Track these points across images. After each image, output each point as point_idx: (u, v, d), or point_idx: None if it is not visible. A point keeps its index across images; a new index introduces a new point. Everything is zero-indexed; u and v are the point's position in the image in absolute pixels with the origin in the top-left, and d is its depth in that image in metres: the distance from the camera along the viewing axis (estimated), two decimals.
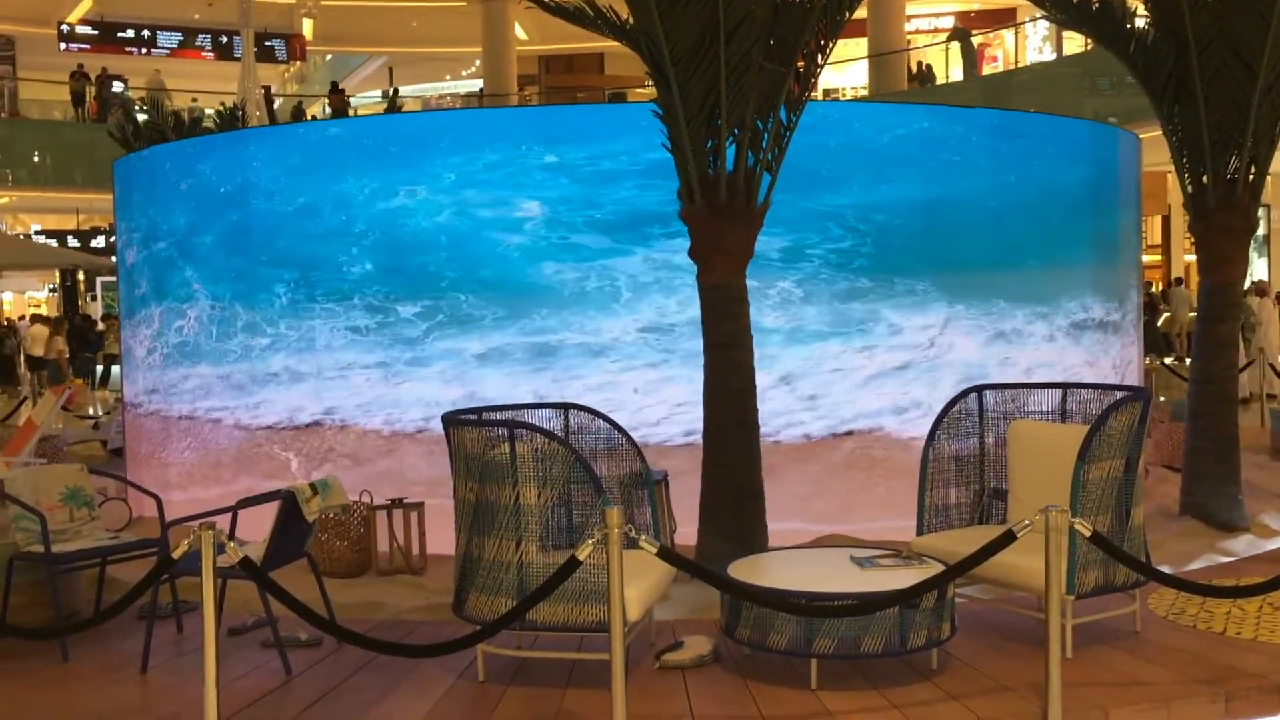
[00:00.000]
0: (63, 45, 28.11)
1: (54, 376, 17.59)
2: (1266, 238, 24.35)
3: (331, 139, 7.46)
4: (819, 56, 5.98)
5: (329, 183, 7.13)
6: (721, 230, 5.81)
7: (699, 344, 5.98)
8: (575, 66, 34.64)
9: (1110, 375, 7.92)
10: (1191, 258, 26.36)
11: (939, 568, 4.55)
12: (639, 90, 30.79)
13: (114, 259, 19.93)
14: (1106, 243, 8.07)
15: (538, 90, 32.97)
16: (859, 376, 7.04)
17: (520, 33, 31.57)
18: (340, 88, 27.33)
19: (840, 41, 6.31)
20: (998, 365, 7.28)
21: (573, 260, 6.88)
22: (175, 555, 4.11)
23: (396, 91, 29.93)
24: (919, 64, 24.75)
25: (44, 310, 31.55)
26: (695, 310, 6.07)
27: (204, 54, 29.59)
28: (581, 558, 3.99)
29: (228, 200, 7.53)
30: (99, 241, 28.02)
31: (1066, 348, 7.64)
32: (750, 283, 5.94)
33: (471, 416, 4.95)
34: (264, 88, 25.67)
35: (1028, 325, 7.46)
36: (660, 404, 6.89)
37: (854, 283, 6.98)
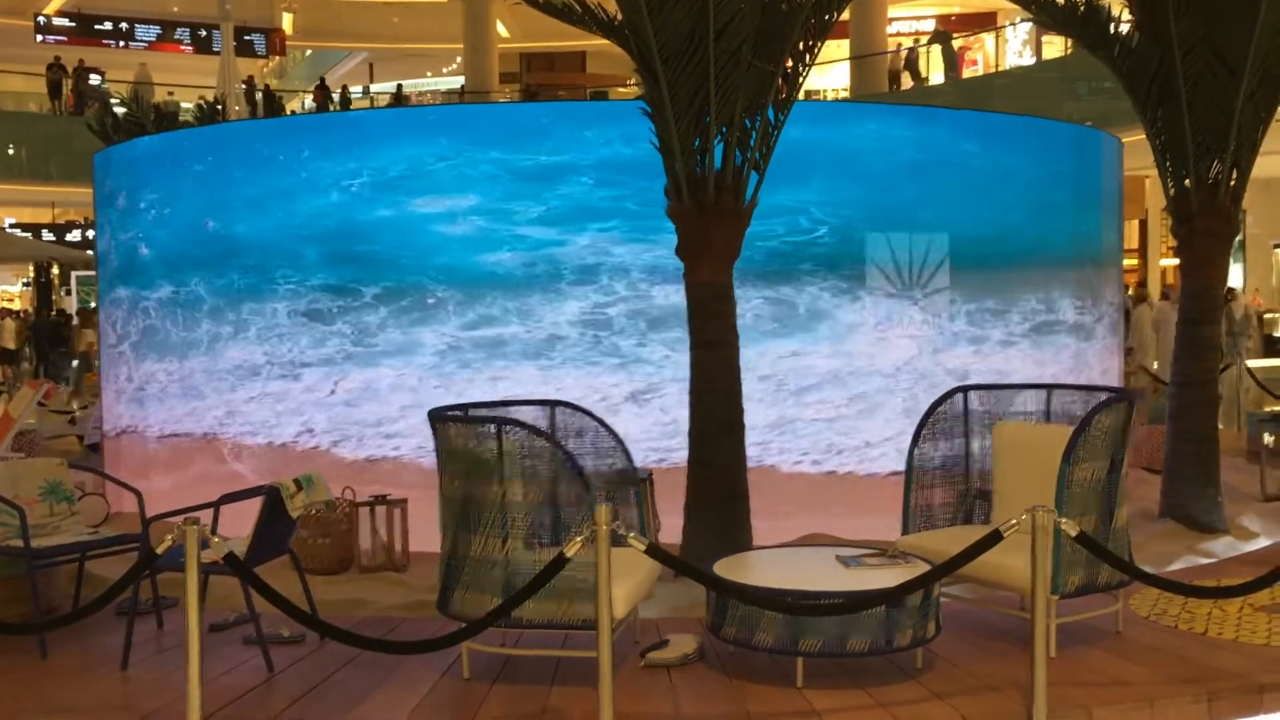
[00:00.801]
0: (39, 37, 27.87)
1: (84, 365, 17.34)
2: (1242, 243, 24.57)
3: None
4: (807, 56, 5.98)
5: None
6: (709, 228, 5.81)
7: None
8: (557, 65, 34.65)
9: (1075, 379, 7.95)
10: (1168, 262, 26.62)
11: (925, 567, 4.56)
12: (621, 89, 30.82)
13: (90, 252, 19.73)
14: (1074, 243, 8.09)
15: (519, 88, 32.92)
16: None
17: (502, 30, 31.53)
18: (325, 83, 27.28)
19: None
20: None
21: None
22: (159, 550, 4.07)
23: (399, 88, 29.79)
24: (906, 59, 24.74)
25: (16, 304, 31.27)
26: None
27: (183, 48, 29.42)
28: (570, 555, 3.97)
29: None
30: (74, 235, 27.78)
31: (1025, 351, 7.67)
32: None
33: (458, 413, 4.92)
34: (245, 81, 25.52)
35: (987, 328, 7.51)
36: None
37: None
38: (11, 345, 20.81)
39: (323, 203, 7.12)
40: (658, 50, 5.55)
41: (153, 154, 8.14)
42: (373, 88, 33.27)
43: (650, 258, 6.82)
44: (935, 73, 24.93)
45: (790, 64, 5.93)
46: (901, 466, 5.50)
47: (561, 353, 6.89)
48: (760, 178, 5.94)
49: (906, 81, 24.42)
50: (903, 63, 24.63)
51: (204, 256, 7.51)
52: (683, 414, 6.01)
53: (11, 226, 27.99)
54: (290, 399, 7.21)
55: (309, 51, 37.28)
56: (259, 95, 26.55)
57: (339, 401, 7.11)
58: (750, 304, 6.81)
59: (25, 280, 32.64)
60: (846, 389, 7.09)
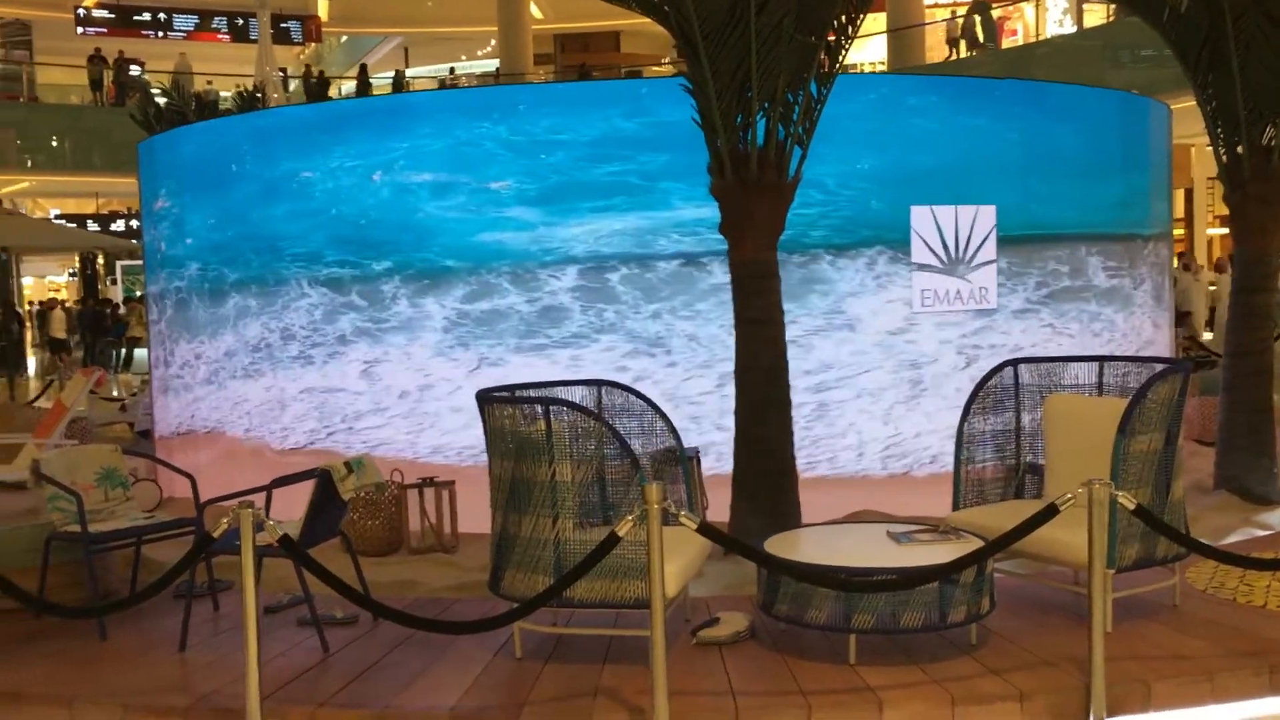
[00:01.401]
0: (80, 29, 28.14)
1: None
2: None
3: None
4: (849, 29, 5.92)
5: None
6: (752, 205, 5.77)
7: None
8: (591, 45, 34.55)
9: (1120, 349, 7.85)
10: (1214, 231, 26.21)
11: (976, 543, 4.52)
12: (655, 68, 30.71)
13: (135, 242, 19.95)
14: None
15: (553, 69, 32.87)
16: None
17: (535, 11, 31.48)
18: (365, 68, 27.45)
19: None
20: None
21: None
22: (215, 534, 4.11)
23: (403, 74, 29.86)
24: (963, 26, 24.18)
25: (63, 294, 31.73)
26: None
27: (220, 36, 29.60)
28: (621, 534, 3.97)
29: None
30: (119, 225, 28.12)
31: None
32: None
33: (505, 394, 4.93)
34: (280, 70, 25.66)
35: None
36: None
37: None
38: (61, 335, 21.15)
39: None
40: (699, 26, 5.50)
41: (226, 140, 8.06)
42: (408, 72, 33.31)
43: None
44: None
45: (832, 37, 5.86)
46: None
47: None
48: (804, 153, 5.88)
49: (961, 51, 24.02)
50: (960, 30, 24.12)
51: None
52: None
53: (57, 217, 28.38)
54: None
55: (344, 38, 37.41)
56: (312, 81, 26.75)
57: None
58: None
59: (71, 270, 33.12)
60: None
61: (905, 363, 7.06)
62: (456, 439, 7.00)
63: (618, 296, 6.86)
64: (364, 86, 26.35)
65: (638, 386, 5.64)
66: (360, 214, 7.16)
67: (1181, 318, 14.22)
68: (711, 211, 5.99)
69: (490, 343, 6.96)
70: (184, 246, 8.12)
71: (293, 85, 27.58)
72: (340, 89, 32.39)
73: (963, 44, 24.16)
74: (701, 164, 5.92)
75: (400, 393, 7.12)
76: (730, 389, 6.03)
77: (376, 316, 7.15)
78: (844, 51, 6.00)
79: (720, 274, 6.55)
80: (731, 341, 5.98)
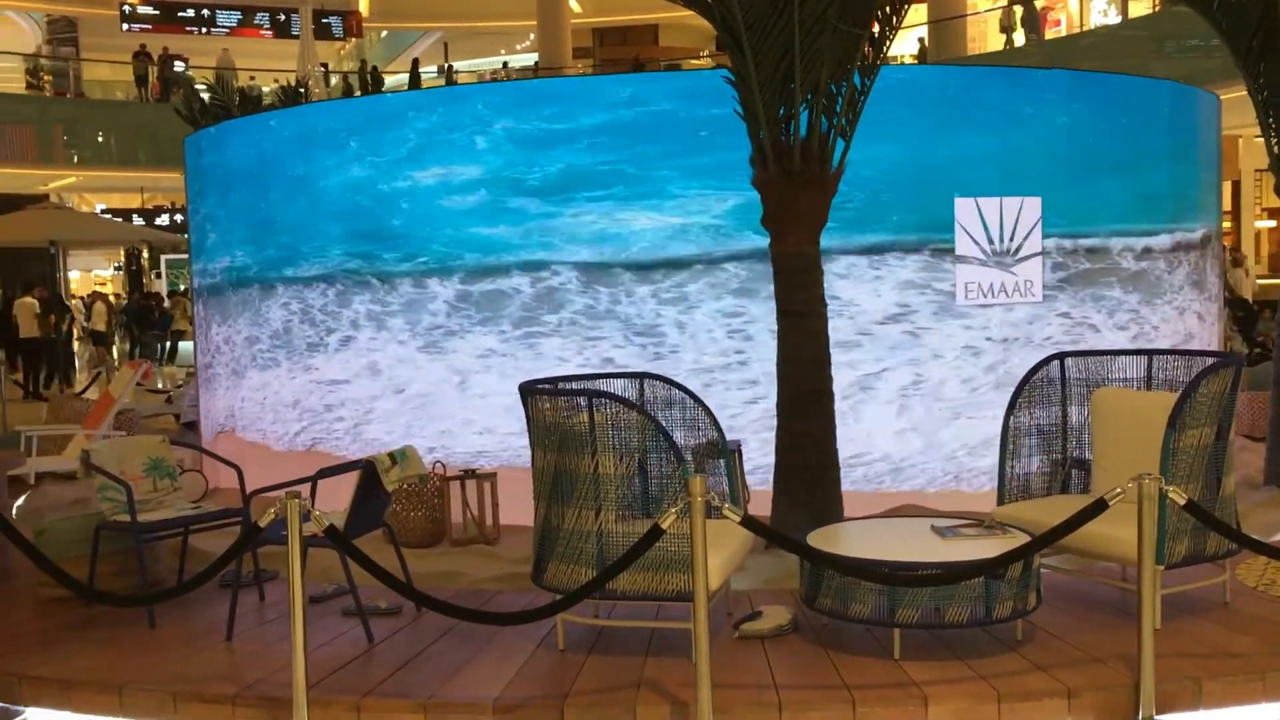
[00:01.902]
0: (125, 26, 28.46)
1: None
2: None
3: None
4: (894, 19, 5.87)
5: None
6: (795, 197, 5.74)
7: None
8: (630, 38, 34.50)
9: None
10: (1263, 224, 25.78)
11: (1022, 538, 4.48)
12: (694, 60, 30.62)
13: (182, 235, 20.18)
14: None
15: (592, 63, 32.87)
16: None
17: (574, 5, 31.48)
18: (415, 62, 27.67)
19: None
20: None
21: None
22: (262, 524, 4.15)
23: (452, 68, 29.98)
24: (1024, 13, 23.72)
25: (109, 289, 32.15)
26: None
27: (262, 32, 29.83)
28: (665, 526, 3.97)
29: None
30: (163, 219, 28.44)
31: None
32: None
33: (548, 386, 4.94)
34: (322, 65, 25.84)
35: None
36: None
37: None
38: (102, 328, 21.45)
39: None
40: (742, 17, 5.48)
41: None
42: (457, 65, 33.43)
43: None
44: (1016, 33, 24.31)
45: (876, 27, 5.82)
46: None
47: None
48: (846, 144, 5.84)
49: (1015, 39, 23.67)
50: (1018, 17, 23.74)
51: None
52: None
53: (103, 212, 28.75)
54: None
55: (384, 33, 37.59)
56: (368, 74, 26.98)
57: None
58: None
59: (117, 264, 33.54)
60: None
61: None
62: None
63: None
64: (415, 80, 26.52)
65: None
66: None
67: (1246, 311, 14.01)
68: None
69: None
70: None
71: (333, 80, 27.77)
72: (382, 83, 32.57)
73: (1019, 31, 23.65)
74: None
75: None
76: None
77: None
78: (888, 42, 5.95)
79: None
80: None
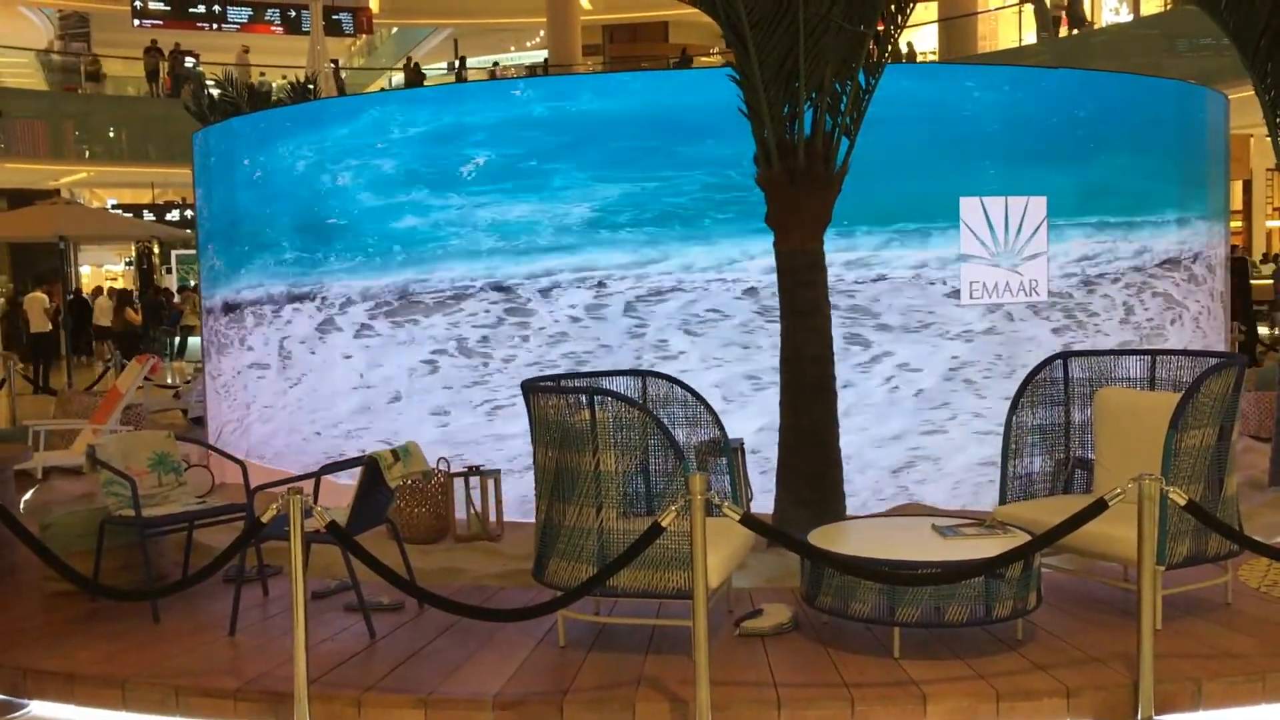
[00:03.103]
0: (136, 21, 28.57)
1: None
2: None
3: None
4: (899, 18, 5.86)
5: None
6: (799, 196, 5.74)
7: None
8: (640, 35, 34.52)
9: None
10: (1275, 224, 25.69)
11: (1023, 537, 4.48)
12: (704, 58, 30.61)
13: (190, 231, 20.26)
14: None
15: (602, 60, 32.88)
16: None
17: (584, 2, 31.49)
18: (415, 63, 27.65)
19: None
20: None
21: None
22: (264, 519, 4.17)
23: (464, 61, 30.00)
24: (1069, 3, 23.47)
25: (120, 283, 32.26)
26: None
27: (273, 28, 29.92)
28: (665, 524, 3.98)
29: None
30: (174, 215, 28.55)
31: None
32: None
33: (550, 384, 4.95)
34: (332, 61, 25.90)
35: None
36: None
37: None
38: (105, 323, 21.51)
39: None
40: (746, 15, 5.48)
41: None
42: (471, 62, 33.48)
43: None
44: (1027, 32, 24.25)
45: (881, 26, 5.81)
46: None
47: None
48: (851, 143, 5.84)
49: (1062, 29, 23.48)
50: (1065, 8, 23.51)
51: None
52: None
53: (114, 207, 28.86)
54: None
55: (394, 29, 37.67)
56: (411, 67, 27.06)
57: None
58: None
59: (128, 259, 33.67)
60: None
61: None
62: None
63: None
64: (418, 78, 26.55)
65: None
66: None
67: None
68: None
69: None
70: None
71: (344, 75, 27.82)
72: (390, 80, 32.63)
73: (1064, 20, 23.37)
74: None
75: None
76: None
77: None
78: (893, 41, 5.95)
79: None
80: None
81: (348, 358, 7.48)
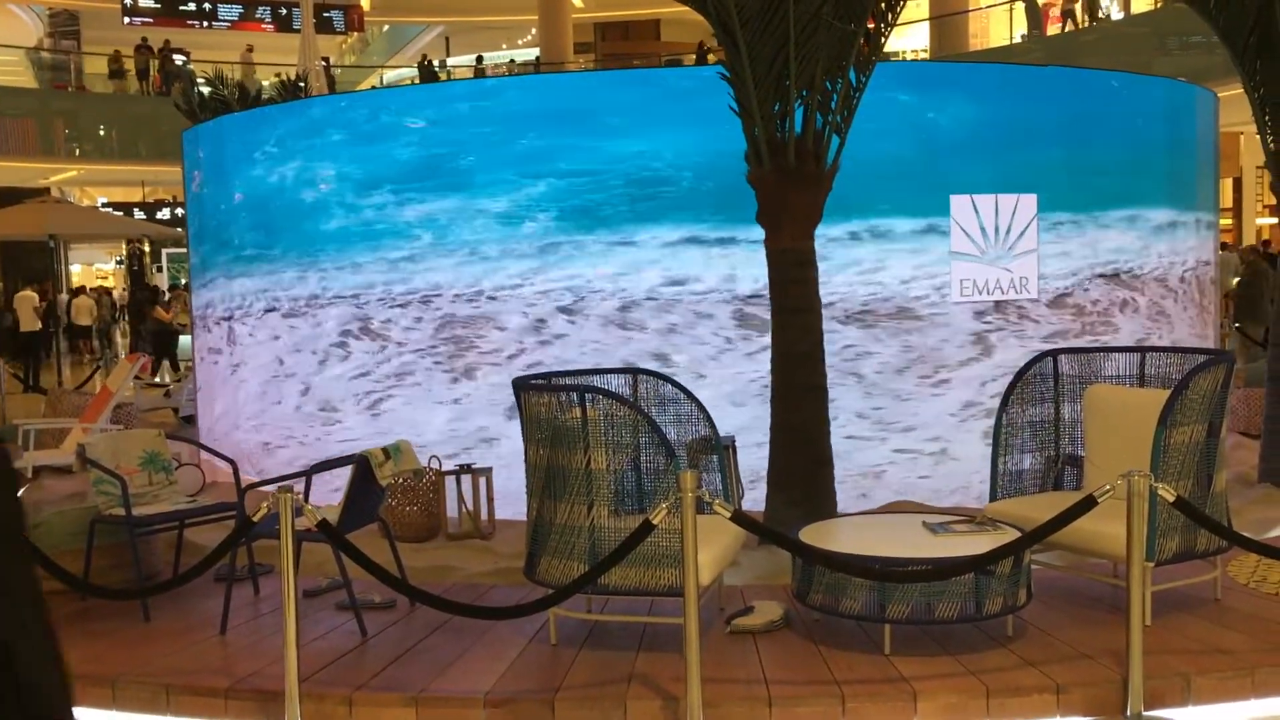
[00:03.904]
0: (126, 19, 28.46)
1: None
2: None
3: None
4: (889, 15, 5.87)
5: None
6: (789, 194, 5.75)
7: None
8: (631, 33, 34.53)
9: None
10: (1264, 221, 25.76)
11: (1013, 534, 4.49)
12: (693, 56, 30.59)
13: (180, 230, 20.17)
14: None
15: (594, 58, 32.86)
16: None
17: (576, 0, 31.45)
18: (429, 61, 27.73)
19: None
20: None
21: None
22: (255, 518, 4.17)
23: (442, 64, 29.94)
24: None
25: (111, 282, 32.18)
26: None
27: (264, 26, 29.82)
28: (655, 521, 3.98)
29: None
30: (164, 214, 28.46)
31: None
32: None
33: (541, 381, 4.95)
34: (323, 59, 25.80)
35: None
36: None
37: None
38: (85, 322, 21.36)
39: None
40: (736, 13, 5.48)
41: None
42: (449, 61, 33.45)
43: None
44: (1018, 29, 24.28)
45: (872, 24, 5.82)
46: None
47: None
48: (842, 141, 5.85)
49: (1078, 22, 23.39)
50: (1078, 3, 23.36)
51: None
52: None
53: (104, 205, 28.77)
54: None
55: (386, 27, 37.59)
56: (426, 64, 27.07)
57: None
58: None
59: (119, 258, 33.58)
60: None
61: None
62: None
63: None
64: (432, 76, 26.62)
65: None
66: None
67: None
68: None
69: None
70: None
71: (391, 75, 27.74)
72: (382, 78, 32.57)
73: (1078, 14, 23.22)
74: None
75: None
76: None
77: None
78: (884, 39, 5.96)
79: None
80: None
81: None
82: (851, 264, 6.93)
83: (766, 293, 5.96)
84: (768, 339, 5.98)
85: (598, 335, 6.96)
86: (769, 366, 5.89)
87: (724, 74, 5.75)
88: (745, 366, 6.87)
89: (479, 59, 31.79)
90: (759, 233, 5.92)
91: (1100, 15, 23.02)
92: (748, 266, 6.74)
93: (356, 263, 7.37)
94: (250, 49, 27.05)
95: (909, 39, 27.57)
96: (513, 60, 31.87)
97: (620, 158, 6.90)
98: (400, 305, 7.27)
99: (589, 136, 6.98)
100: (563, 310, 7.00)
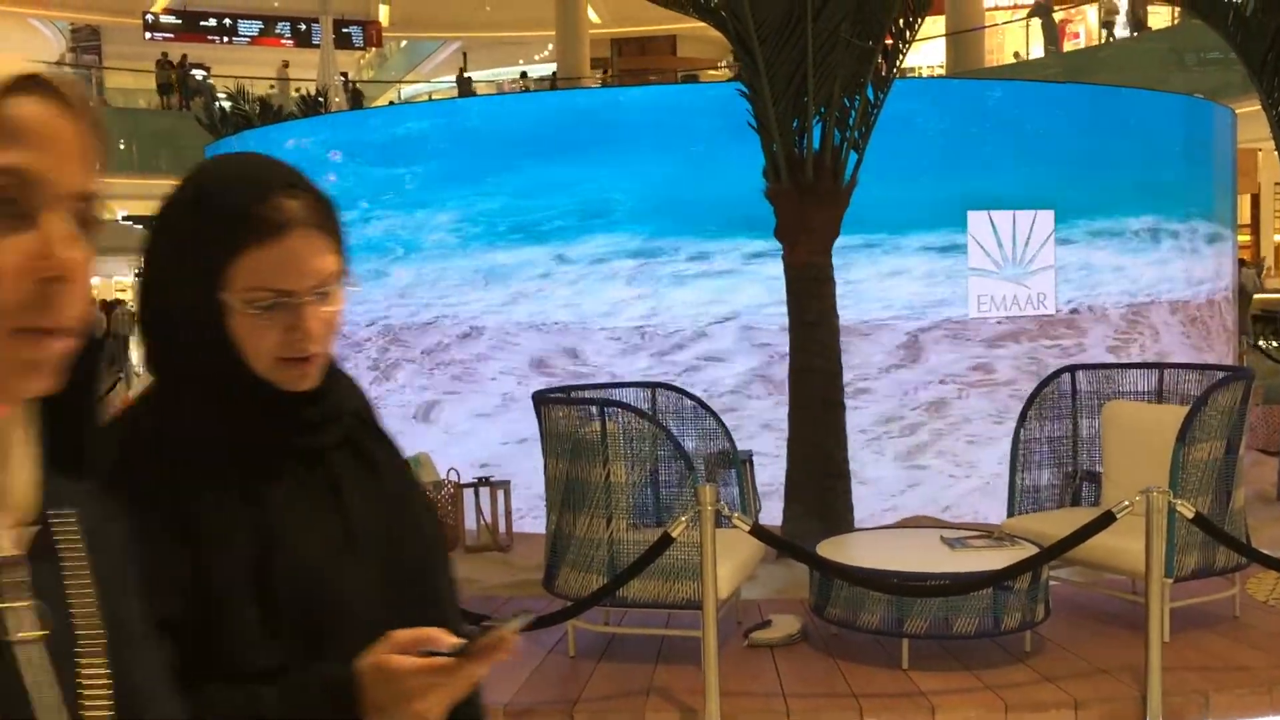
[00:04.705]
0: (148, 35, 28.74)
1: None
2: None
3: None
4: (907, 33, 5.91)
5: None
6: (807, 210, 5.78)
7: None
8: (648, 49, 34.64)
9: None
10: None
11: (1031, 549, 4.49)
12: (711, 71, 30.71)
13: None
14: None
15: (610, 74, 33.00)
16: None
17: (593, 16, 31.60)
18: (467, 76, 27.94)
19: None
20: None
21: None
22: None
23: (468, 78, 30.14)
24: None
25: (128, 295, 32.36)
26: None
27: (283, 41, 30.07)
28: (675, 535, 4.01)
29: None
30: None
31: None
32: None
33: (561, 395, 4.99)
34: (342, 74, 26.04)
35: None
36: None
37: None
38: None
39: None
40: (755, 30, 5.53)
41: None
42: (475, 75, 33.65)
43: None
44: (1035, 46, 24.28)
45: (890, 41, 5.86)
46: None
47: None
48: (860, 157, 5.88)
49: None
50: (1119, 10, 23.21)
51: None
52: None
53: (125, 218, 28.99)
54: None
55: (404, 43, 37.83)
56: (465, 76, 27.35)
57: None
58: None
59: (137, 271, 33.78)
60: None
61: None
62: None
63: None
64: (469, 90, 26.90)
65: None
66: None
67: None
68: None
69: None
70: None
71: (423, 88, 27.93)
72: (400, 93, 32.77)
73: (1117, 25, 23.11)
74: None
75: None
76: None
77: None
78: (902, 55, 5.99)
79: None
80: None
81: None
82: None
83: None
84: None
85: None
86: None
87: (742, 90, 5.79)
88: None
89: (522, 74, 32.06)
90: None
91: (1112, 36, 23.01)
92: None
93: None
94: (286, 64, 27.23)
95: (925, 56, 27.62)
96: (524, 74, 31.99)
97: None
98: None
99: None
100: None
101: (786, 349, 5.99)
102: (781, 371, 6.17)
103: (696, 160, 6.93)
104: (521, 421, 6.06)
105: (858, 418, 6.47)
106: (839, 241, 5.88)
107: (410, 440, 5.92)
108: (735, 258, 6.92)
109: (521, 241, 7.14)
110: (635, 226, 7.01)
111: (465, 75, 28.98)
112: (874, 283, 6.96)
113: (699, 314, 7.00)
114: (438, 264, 7.35)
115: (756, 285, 6.85)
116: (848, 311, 6.14)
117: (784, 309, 5.94)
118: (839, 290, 5.87)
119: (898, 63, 5.95)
